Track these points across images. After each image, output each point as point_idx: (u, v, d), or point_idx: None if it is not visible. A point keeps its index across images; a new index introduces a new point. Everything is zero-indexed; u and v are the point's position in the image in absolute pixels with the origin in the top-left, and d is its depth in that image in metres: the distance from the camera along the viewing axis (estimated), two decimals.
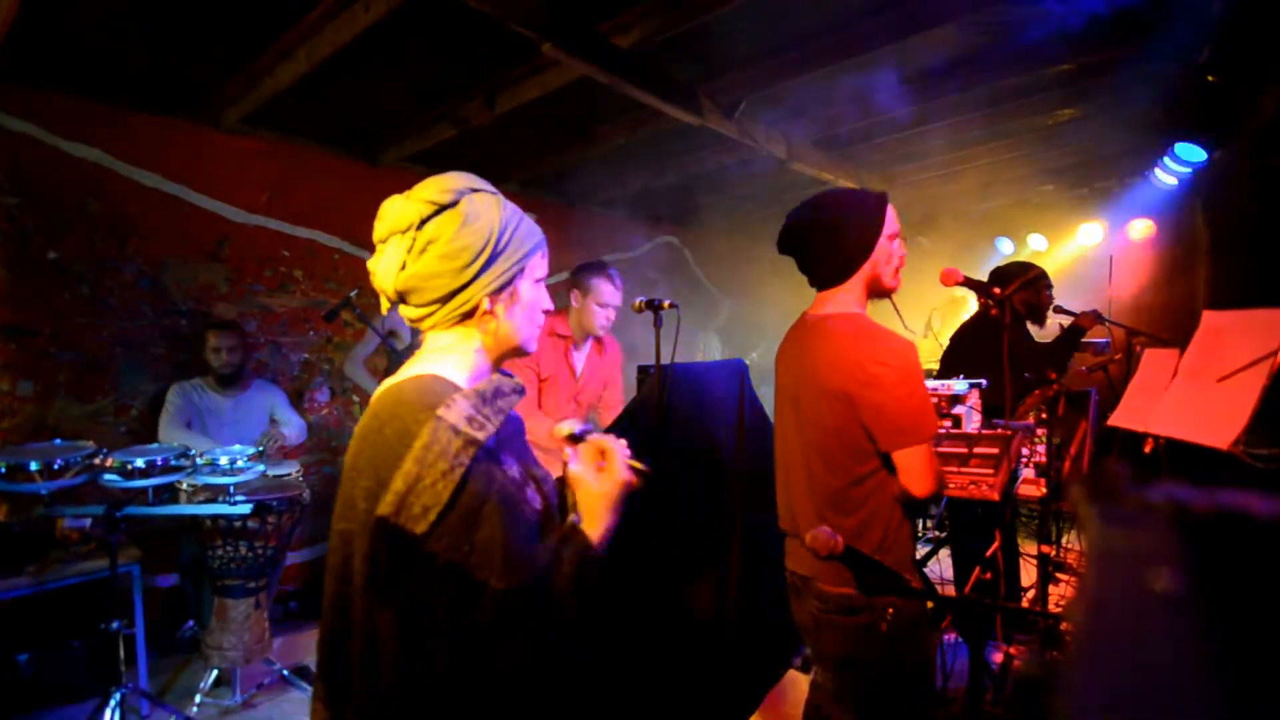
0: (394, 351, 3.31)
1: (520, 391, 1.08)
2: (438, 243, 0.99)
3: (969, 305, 5.70)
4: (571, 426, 1.11)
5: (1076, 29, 2.99)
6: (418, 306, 1.04)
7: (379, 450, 0.93)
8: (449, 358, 1.05)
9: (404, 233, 1.00)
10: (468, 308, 1.03)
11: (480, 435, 0.93)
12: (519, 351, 1.12)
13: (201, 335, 3.37)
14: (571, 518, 1.07)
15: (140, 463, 2.36)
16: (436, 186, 1.02)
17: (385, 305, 1.07)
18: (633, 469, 1.08)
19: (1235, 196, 4.24)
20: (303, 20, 2.68)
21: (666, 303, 2.07)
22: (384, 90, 3.43)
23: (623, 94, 3.08)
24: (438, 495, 0.89)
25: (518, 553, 0.92)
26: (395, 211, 1.01)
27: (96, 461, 2.34)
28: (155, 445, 2.70)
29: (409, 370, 1.03)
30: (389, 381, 1.01)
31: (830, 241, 1.58)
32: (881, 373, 1.45)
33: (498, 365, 1.11)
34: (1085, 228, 5.53)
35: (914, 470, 1.47)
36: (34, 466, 2.19)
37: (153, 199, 3.49)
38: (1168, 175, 4.19)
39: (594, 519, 1.04)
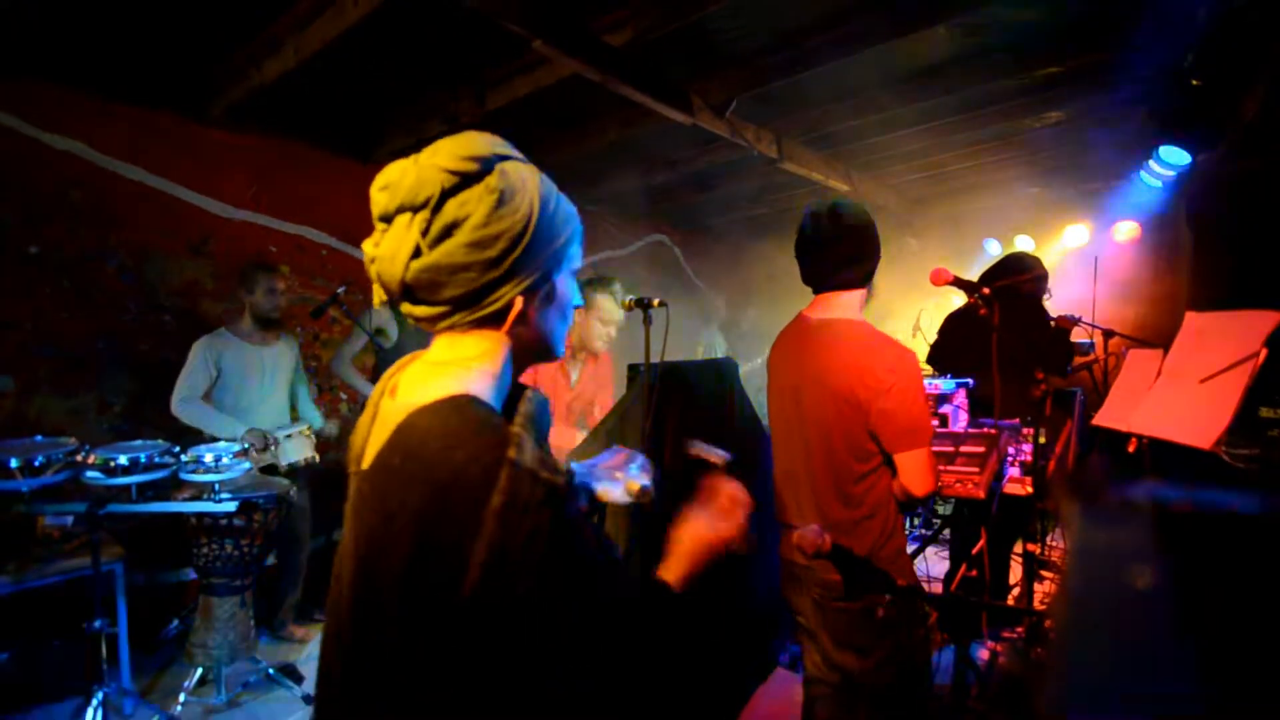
0: (381, 350, 3.28)
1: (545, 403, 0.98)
2: (466, 226, 0.76)
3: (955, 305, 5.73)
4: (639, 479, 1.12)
5: (1063, 33, 3.03)
6: (431, 304, 0.80)
7: (429, 501, 0.72)
8: (475, 370, 0.82)
9: (417, 210, 0.77)
10: (498, 307, 0.81)
11: (560, 479, 0.75)
12: (547, 356, 0.93)
13: (251, 276, 3.17)
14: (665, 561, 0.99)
15: (123, 460, 2.33)
16: (458, 150, 0.78)
17: (378, 299, 0.84)
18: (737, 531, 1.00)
19: (1218, 199, 4.30)
20: (291, 13, 2.65)
21: (656, 301, 2.07)
22: (373, 85, 3.41)
23: (614, 92, 3.07)
24: (529, 561, 0.71)
25: (606, 588, 0.81)
26: (407, 181, 0.77)
27: (79, 458, 2.31)
28: (139, 442, 2.66)
29: (430, 388, 0.80)
30: (411, 401, 0.79)
31: (855, 250, 1.66)
32: (892, 380, 1.53)
33: (519, 373, 0.91)
34: (1071, 229, 5.59)
35: (916, 471, 1.56)
36: (14, 464, 2.15)
37: (136, 192, 3.45)
38: (1152, 178, 4.24)
39: (685, 563, 0.95)
